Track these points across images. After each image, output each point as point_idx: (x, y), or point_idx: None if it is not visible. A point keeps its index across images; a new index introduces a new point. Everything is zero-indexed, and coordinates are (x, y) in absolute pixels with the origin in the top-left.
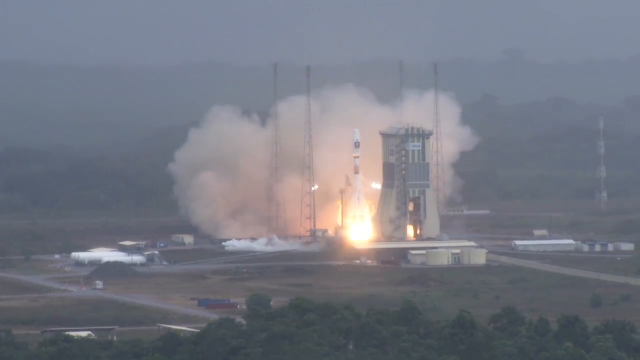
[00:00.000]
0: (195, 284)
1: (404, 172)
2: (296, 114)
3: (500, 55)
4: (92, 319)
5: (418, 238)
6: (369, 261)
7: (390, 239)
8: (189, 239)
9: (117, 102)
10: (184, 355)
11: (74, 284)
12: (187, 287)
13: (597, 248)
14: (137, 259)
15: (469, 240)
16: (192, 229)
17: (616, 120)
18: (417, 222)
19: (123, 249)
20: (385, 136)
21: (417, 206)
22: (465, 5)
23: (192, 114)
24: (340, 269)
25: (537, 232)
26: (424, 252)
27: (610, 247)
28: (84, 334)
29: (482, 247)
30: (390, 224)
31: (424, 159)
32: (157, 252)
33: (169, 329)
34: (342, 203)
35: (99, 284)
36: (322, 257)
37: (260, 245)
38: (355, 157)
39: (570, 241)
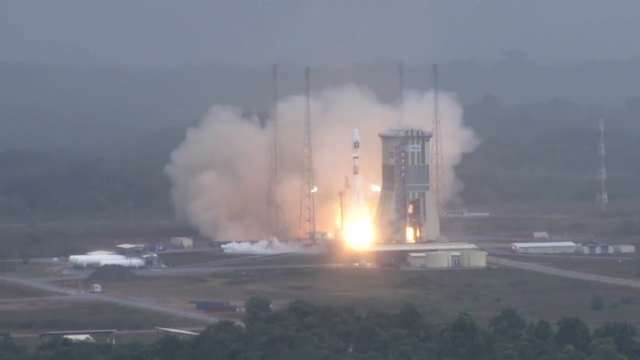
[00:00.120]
0: (194, 286)
1: (403, 174)
2: (296, 114)
3: (500, 56)
4: (91, 322)
5: (417, 240)
6: (368, 263)
7: (389, 241)
8: (187, 242)
9: (117, 104)
10: (183, 358)
11: (72, 287)
12: (185, 290)
13: (598, 250)
14: (136, 261)
15: (469, 242)
16: (190, 232)
17: (617, 121)
18: (417, 224)
19: (121, 251)
20: (385, 138)
21: (416, 208)
22: (465, 7)
23: (192, 116)
24: (340, 271)
25: (537, 234)
26: (423, 254)
27: (611, 249)
28: (82, 337)
29: (482, 249)
30: (390, 226)
31: (423, 161)
32: (155, 255)
33: (168, 332)
34: (341, 205)
35: (97, 287)
36: (322, 260)
37: (260, 248)
38: (355, 157)
39: (571, 243)
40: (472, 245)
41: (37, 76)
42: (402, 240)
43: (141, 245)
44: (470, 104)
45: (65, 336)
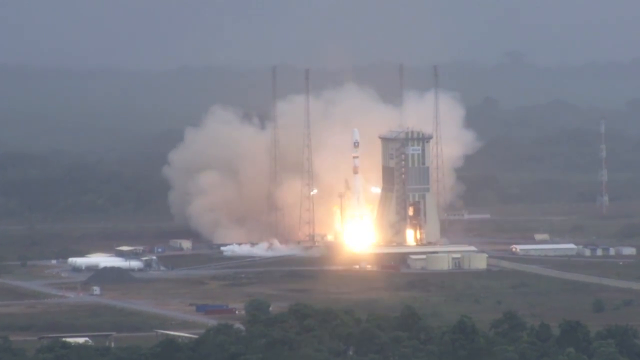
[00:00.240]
0: (193, 289)
1: (403, 176)
2: (296, 114)
3: (501, 57)
4: (89, 325)
5: (418, 242)
6: (368, 266)
7: (389, 243)
8: (186, 244)
9: (115, 106)
10: None
11: (71, 290)
12: (185, 293)
13: (599, 252)
14: (135, 264)
15: (470, 244)
16: (189, 234)
17: (618, 123)
18: (417, 227)
19: (120, 254)
20: (385, 140)
21: (416, 210)
22: (465, 8)
23: (191, 118)
24: (340, 273)
25: (538, 236)
26: (424, 256)
27: (612, 251)
28: (81, 340)
29: (482, 251)
30: (390, 229)
31: (423, 163)
32: (154, 257)
33: (167, 334)
34: (340, 208)
35: (96, 290)
36: (321, 262)
37: (260, 250)
38: (355, 157)
39: (572, 245)
40: (472, 248)
41: (35, 78)
42: (403, 243)
43: (140, 248)
44: (471, 105)
45: (64, 339)
